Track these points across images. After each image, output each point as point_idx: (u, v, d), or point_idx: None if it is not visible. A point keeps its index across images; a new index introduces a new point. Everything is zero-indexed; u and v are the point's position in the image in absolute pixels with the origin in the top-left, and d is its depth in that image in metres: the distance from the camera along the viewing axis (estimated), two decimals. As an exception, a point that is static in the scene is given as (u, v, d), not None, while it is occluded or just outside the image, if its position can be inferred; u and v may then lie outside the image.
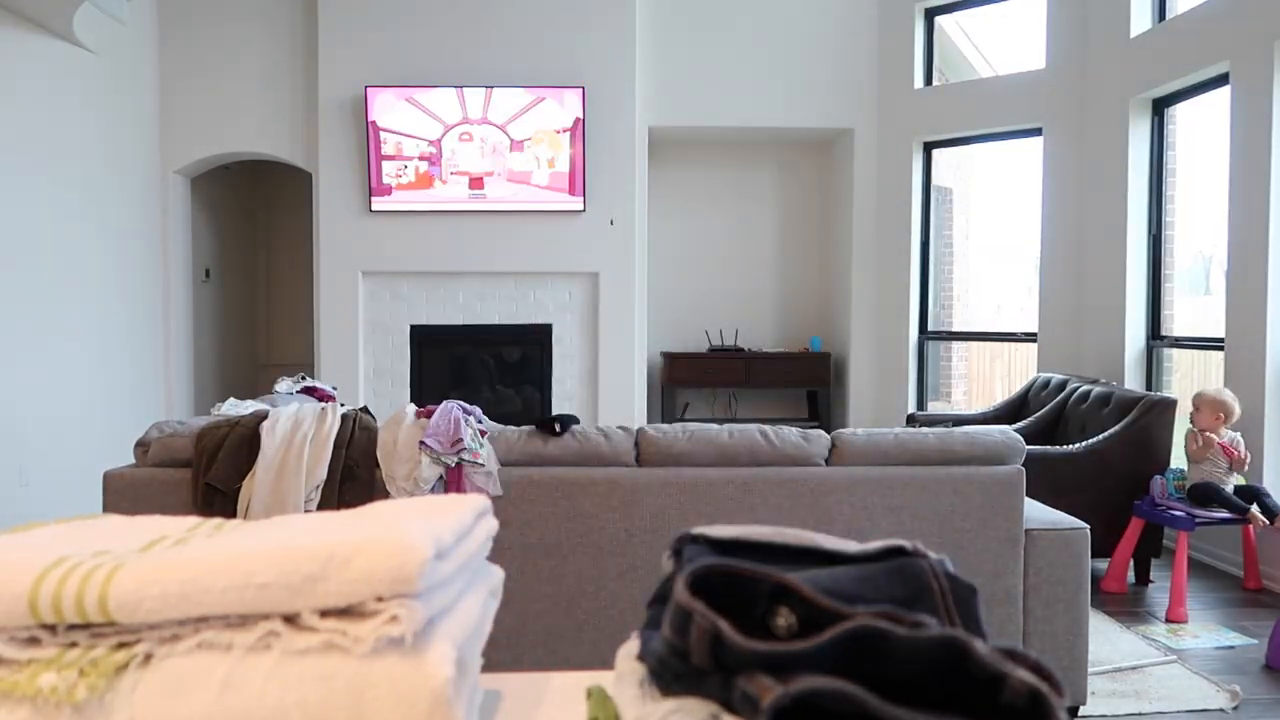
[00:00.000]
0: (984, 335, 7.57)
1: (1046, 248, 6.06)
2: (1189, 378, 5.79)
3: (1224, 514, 3.98)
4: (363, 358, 6.34)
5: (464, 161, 6.15)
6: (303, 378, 3.93)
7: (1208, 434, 4.07)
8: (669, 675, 0.55)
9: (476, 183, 6.17)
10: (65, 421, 5.15)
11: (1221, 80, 4.75)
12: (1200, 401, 4.15)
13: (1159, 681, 3.18)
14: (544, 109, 6.13)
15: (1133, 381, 5.36)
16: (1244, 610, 3.98)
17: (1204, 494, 4.04)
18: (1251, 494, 4.04)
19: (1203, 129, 5.25)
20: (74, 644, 0.65)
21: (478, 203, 6.19)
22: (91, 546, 0.70)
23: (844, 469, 2.80)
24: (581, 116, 6.12)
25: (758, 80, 6.62)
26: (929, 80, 6.61)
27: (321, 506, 2.66)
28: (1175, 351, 5.49)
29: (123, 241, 5.80)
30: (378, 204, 6.15)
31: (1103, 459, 4.35)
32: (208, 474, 2.67)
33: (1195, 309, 5.78)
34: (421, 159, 6.13)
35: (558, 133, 6.14)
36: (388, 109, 6.08)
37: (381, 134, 6.09)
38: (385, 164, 6.12)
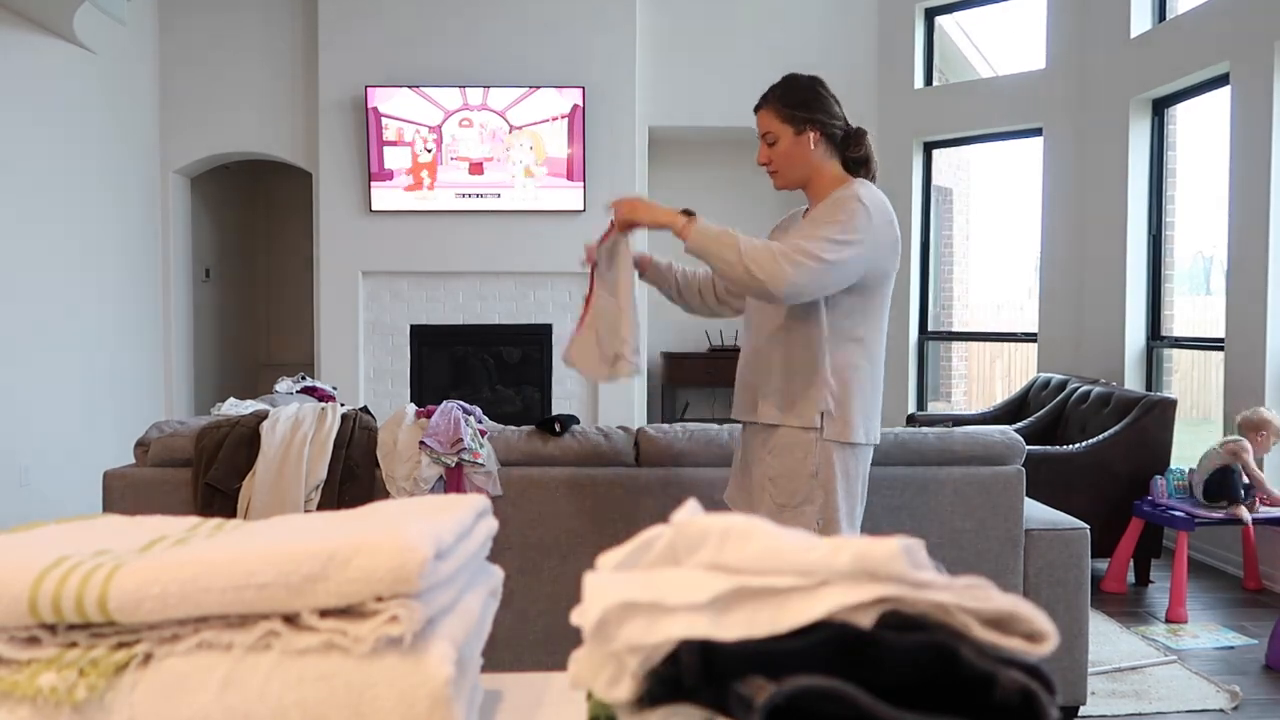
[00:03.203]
0: (984, 335, 7.58)
1: (1046, 248, 6.05)
2: (1189, 378, 5.79)
3: (1219, 514, 3.94)
4: (363, 358, 6.34)
5: (464, 147, 6.16)
6: (303, 378, 3.93)
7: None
8: (662, 695, 0.54)
9: (476, 168, 6.17)
10: (65, 422, 5.15)
11: (1221, 80, 4.74)
12: (1253, 421, 4.03)
13: (1159, 682, 3.18)
14: (542, 95, 6.12)
15: (1133, 382, 5.36)
16: (1244, 610, 3.98)
17: (1219, 481, 3.95)
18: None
19: (1203, 129, 5.25)
20: (74, 644, 0.65)
21: (478, 202, 6.19)
22: (91, 546, 0.70)
23: (844, 469, 2.79)
24: (581, 110, 6.12)
25: (758, 80, 6.52)
26: (929, 80, 6.61)
27: (321, 506, 2.66)
28: (1175, 351, 5.50)
29: (123, 241, 5.80)
30: (378, 197, 6.13)
31: (1103, 459, 4.35)
32: (208, 474, 2.67)
33: (1195, 309, 5.78)
34: (421, 142, 6.13)
35: (555, 119, 6.13)
36: (388, 97, 6.10)
37: (383, 120, 6.09)
38: (387, 150, 6.12)
